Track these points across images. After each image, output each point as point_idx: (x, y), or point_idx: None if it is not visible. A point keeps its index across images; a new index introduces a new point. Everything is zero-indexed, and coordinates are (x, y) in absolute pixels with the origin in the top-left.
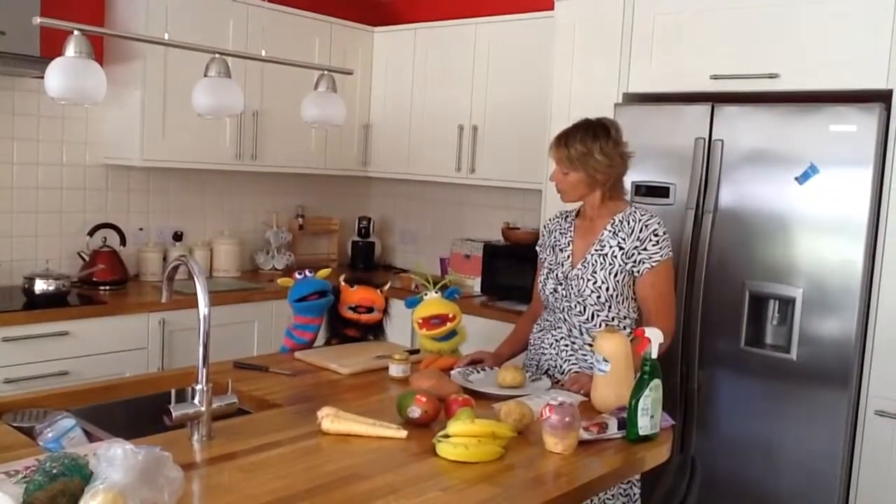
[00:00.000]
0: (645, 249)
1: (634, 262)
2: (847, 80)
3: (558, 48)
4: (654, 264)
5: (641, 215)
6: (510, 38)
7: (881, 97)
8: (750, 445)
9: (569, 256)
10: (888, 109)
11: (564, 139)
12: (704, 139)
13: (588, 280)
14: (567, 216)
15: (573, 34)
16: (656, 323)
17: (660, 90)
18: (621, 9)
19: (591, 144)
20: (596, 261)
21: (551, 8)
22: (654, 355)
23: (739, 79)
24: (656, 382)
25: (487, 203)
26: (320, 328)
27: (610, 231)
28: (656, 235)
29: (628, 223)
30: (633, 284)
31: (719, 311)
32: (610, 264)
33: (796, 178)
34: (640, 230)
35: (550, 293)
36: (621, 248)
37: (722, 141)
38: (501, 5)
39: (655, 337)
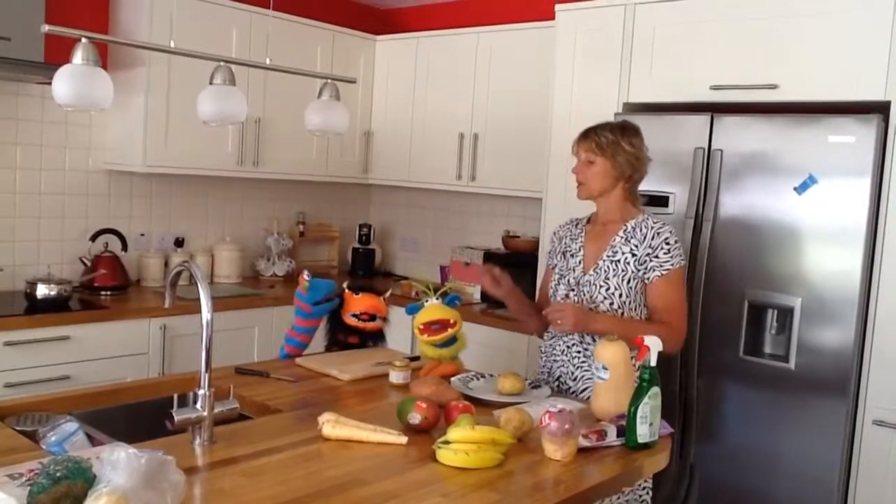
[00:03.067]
0: (656, 257)
1: (646, 269)
2: (845, 92)
3: (559, 57)
4: (664, 272)
5: (654, 223)
6: (511, 47)
7: (879, 108)
8: (748, 454)
9: (580, 262)
10: (886, 121)
11: (593, 130)
12: (704, 149)
13: (601, 286)
14: (577, 223)
15: (574, 43)
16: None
17: (660, 100)
18: (622, 19)
19: (620, 135)
20: (608, 267)
21: (552, 17)
22: (654, 363)
23: (739, 89)
24: (655, 390)
25: (488, 211)
26: (316, 330)
27: (622, 237)
28: (668, 244)
29: (640, 230)
30: (645, 291)
31: (718, 320)
32: (623, 271)
33: (795, 189)
34: (653, 237)
35: (562, 299)
36: (634, 255)
37: (721, 151)
38: (503, 14)
39: (654, 345)
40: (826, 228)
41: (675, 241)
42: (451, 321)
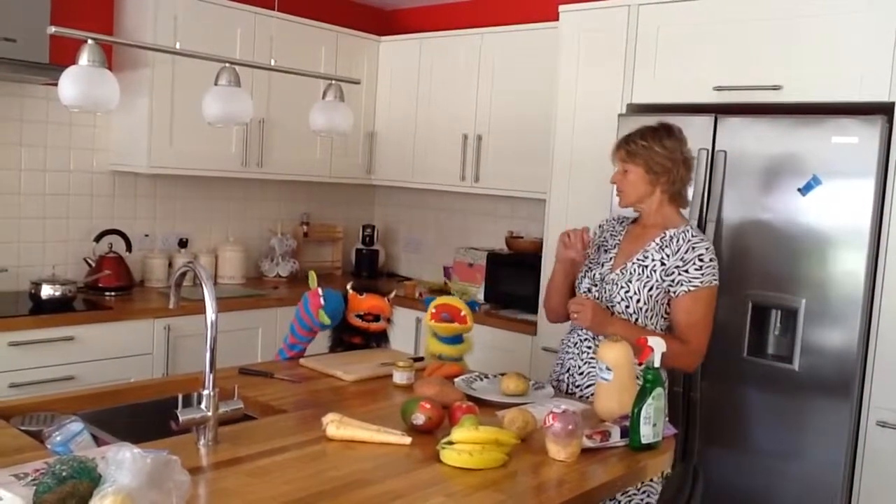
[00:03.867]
0: (686, 271)
1: (672, 281)
2: (849, 93)
3: (563, 58)
4: (692, 288)
5: (692, 236)
6: (515, 48)
7: (883, 109)
8: (752, 455)
9: (611, 259)
10: (890, 122)
11: (626, 137)
12: (708, 150)
13: (622, 288)
14: (623, 221)
15: (578, 44)
16: (686, 346)
17: (663, 101)
18: (625, 20)
19: (652, 139)
20: (634, 270)
21: (556, 18)
22: (657, 364)
23: (742, 90)
24: (658, 391)
25: (491, 212)
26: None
27: (657, 244)
28: (701, 260)
29: (677, 241)
30: (669, 303)
31: (722, 321)
32: (647, 277)
33: (799, 190)
34: (687, 251)
35: (584, 293)
36: (663, 265)
37: (725, 152)
38: (506, 15)
39: (658, 346)
40: (830, 229)
41: (711, 260)
42: (463, 312)
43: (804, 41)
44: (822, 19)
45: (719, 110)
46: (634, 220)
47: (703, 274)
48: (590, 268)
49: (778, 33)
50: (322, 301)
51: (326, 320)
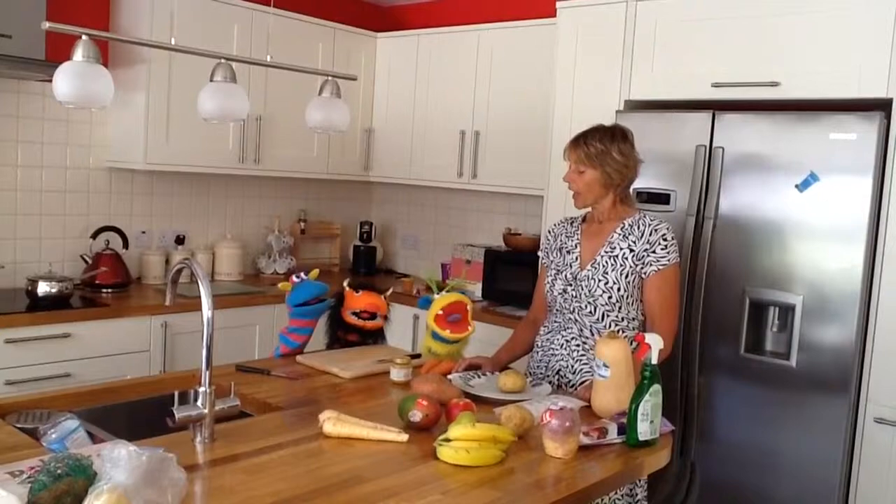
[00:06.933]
0: (654, 252)
1: (643, 263)
2: (847, 89)
3: (560, 55)
4: (661, 267)
5: (651, 220)
6: (512, 44)
7: (881, 106)
8: (749, 452)
9: (577, 258)
10: (888, 118)
11: (582, 139)
12: (705, 146)
13: (599, 280)
14: (573, 221)
15: (575, 41)
16: (659, 327)
17: (661, 97)
18: (623, 16)
19: (609, 144)
20: (607, 262)
21: (554, 15)
22: (655, 361)
23: (740, 87)
24: (656, 388)
25: (489, 209)
26: (313, 331)
27: (620, 234)
28: (665, 240)
29: (638, 227)
30: (641, 287)
31: (719, 318)
32: (621, 265)
33: (796, 186)
34: (650, 233)
35: (559, 294)
36: (632, 251)
37: (723, 148)
38: (504, 12)
39: (656, 343)
40: (827, 226)
41: (672, 238)
42: (466, 304)
43: (802, 37)
44: (820, 15)
45: (717, 106)
46: (584, 219)
47: (668, 252)
48: (559, 270)
49: (776, 29)
50: (296, 280)
51: (288, 285)
